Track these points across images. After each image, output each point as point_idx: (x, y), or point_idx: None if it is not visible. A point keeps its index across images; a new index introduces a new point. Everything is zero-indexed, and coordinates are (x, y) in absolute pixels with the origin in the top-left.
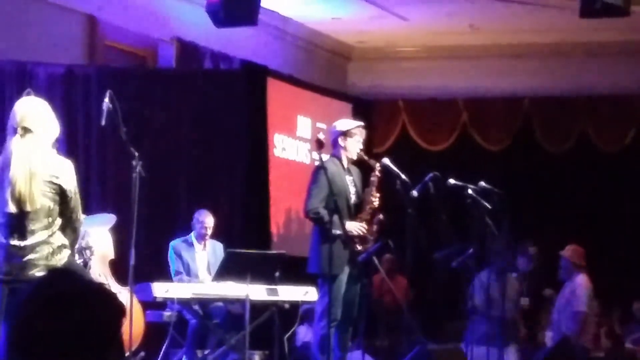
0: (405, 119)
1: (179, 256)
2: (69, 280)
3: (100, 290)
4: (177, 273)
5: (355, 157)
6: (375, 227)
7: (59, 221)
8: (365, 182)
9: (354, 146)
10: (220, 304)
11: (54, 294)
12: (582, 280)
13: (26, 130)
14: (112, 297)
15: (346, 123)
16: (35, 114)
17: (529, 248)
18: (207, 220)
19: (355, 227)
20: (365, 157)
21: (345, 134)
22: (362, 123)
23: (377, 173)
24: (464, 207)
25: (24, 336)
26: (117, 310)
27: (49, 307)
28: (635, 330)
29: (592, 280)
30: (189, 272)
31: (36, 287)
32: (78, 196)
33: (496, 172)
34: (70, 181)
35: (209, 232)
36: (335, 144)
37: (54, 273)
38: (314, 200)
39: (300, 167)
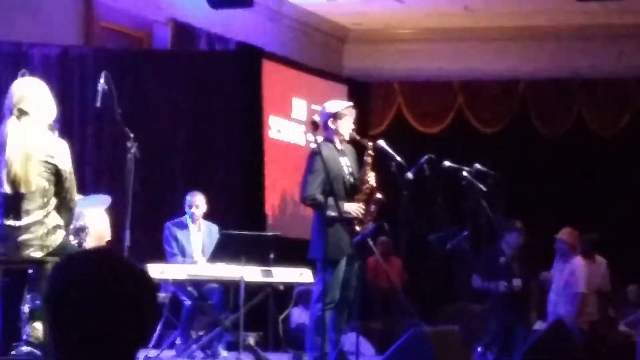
0: (401, 102)
1: (174, 237)
2: (102, 256)
3: (136, 267)
4: (172, 254)
5: (347, 138)
6: (373, 207)
7: (53, 201)
8: (360, 162)
9: (345, 127)
10: (214, 285)
11: (102, 266)
12: (580, 262)
13: (22, 112)
14: (146, 274)
15: (335, 104)
16: (32, 96)
17: (516, 222)
18: (197, 199)
19: (353, 208)
20: (358, 137)
21: (335, 115)
22: (350, 103)
23: (370, 152)
24: (459, 190)
25: (63, 307)
26: (152, 287)
27: (97, 276)
28: (629, 313)
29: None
30: (183, 253)
31: (69, 261)
32: (73, 177)
33: (491, 155)
34: (65, 162)
35: (200, 212)
36: (325, 126)
37: (89, 251)
38: (310, 187)
39: (296, 149)
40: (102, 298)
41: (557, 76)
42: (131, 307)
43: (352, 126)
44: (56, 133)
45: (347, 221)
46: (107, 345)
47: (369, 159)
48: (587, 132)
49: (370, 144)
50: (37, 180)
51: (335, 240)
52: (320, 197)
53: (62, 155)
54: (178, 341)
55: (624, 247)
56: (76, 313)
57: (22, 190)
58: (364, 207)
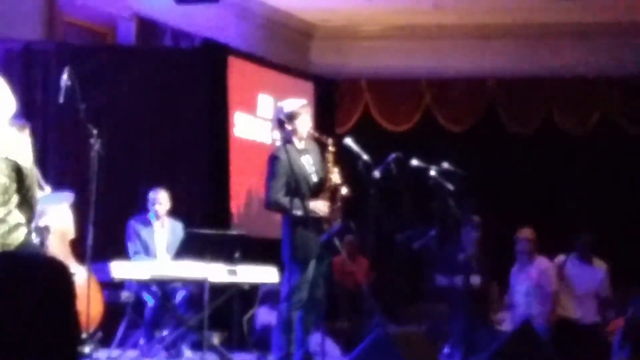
0: (368, 99)
1: (137, 235)
2: (18, 257)
3: (50, 263)
4: (136, 252)
5: (305, 136)
6: (338, 204)
7: (15, 198)
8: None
9: (302, 126)
10: (179, 284)
11: (4, 269)
12: (547, 261)
13: None
14: (62, 269)
15: (290, 104)
16: None
17: (473, 217)
18: (160, 197)
19: (318, 207)
20: (317, 135)
21: (291, 116)
22: (305, 101)
23: (330, 149)
24: (427, 189)
25: None
26: (67, 280)
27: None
28: None
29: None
30: (147, 250)
31: None
32: (34, 173)
33: (459, 153)
34: (26, 159)
35: (163, 209)
36: (282, 127)
37: (2, 253)
38: (273, 192)
39: (261, 147)
40: (5, 302)
41: (526, 74)
42: (42, 305)
43: (310, 124)
44: (27, 130)
45: (315, 220)
46: (36, 347)
47: (330, 156)
48: (556, 131)
49: (330, 140)
50: None
51: (304, 241)
52: (283, 200)
53: (23, 152)
54: (142, 341)
55: (592, 246)
56: None
57: None
58: (329, 204)
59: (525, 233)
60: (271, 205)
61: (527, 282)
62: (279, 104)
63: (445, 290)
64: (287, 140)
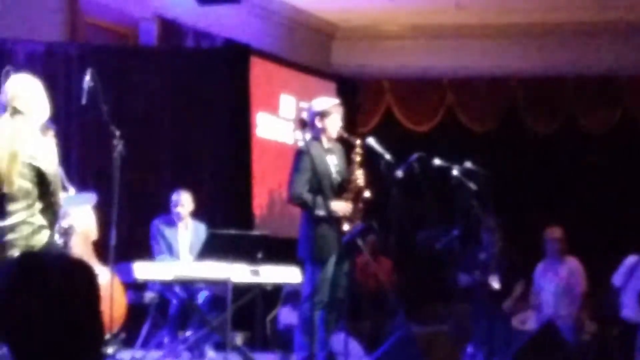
0: (390, 99)
1: (162, 235)
2: (42, 257)
3: (74, 264)
4: (160, 252)
5: (335, 136)
6: (360, 206)
7: (38, 204)
8: (348, 160)
9: (332, 125)
10: (202, 285)
11: (28, 269)
12: (577, 261)
13: (16, 110)
14: (86, 270)
15: (322, 102)
16: (27, 95)
17: (489, 221)
18: (182, 198)
19: (340, 207)
20: (346, 135)
21: (322, 114)
22: (337, 100)
23: (358, 150)
24: (449, 188)
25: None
26: (91, 280)
27: (24, 282)
28: None
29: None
30: (171, 251)
31: (8, 265)
32: (58, 179)
33: (482, 153)
34: (50, 164)
35: (186, 211)
36: (312, 124)
37: (27, 253)
38: (297, 186)
39: (283, 147)
40: (30, 303)
41: (549, 74)
42: (67, 305)
43: (340, 124)
44: (51, 133)
45: (335, 220)
46: (60, 348)
47: (357, 157)
48: (578, 130)
49: (358, 141)
50: (20, 182)
51: (323, 239)
52: (307, 196)
53: (47, 157)
54: (166, 341)
55: (616, 245)
56: (9, 323)
57: (5, 189)
58: (351, 205)
59: (555, 232)
60: (294, 199)
61: (555, 281)
62: (311, 102)
63: (468, 289)
64: (315, 137)
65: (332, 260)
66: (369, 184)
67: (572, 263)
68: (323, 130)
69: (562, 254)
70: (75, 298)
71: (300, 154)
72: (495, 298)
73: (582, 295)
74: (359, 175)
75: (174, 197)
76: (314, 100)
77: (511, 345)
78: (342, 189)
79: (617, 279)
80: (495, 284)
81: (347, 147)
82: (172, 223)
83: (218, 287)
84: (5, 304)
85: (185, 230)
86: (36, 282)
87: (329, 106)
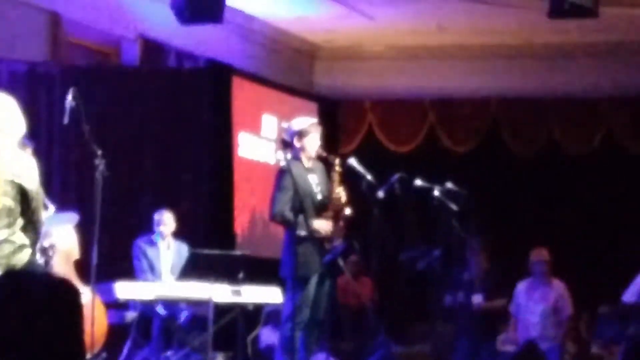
0: (372, 119)
1: (144, 254)
2: (25, 276)
3: (57, 283)
4: (142, 272)
5: (313, 155)
6: (341, 224)
7: (20, 221)
8: (329, 178)
9: (311, 144)
10: (183, 304)
11: (11, 288)
12: (563, 285)
13: None
14: (69, 289)
15: (300, 122)
16: (3, 112)
17: (473, 240)
18: (165, 218)
19: (321, 226)
20: (324, 154)
21: (300, 133)
22: (315, 120)
23: (337, 169)
24: (430, 209)
25: None
26: (74, 299)
27: (7, 300)
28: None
29: None
30: (153, 270)
31: None
32: (40, 197)
33: (463, 174)
34: (32, 182)
35: (168, 230)
36: (292, 144)
37: (9, 272)
38: (278, 204)
39: (265, 167)
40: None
41: (530, 95)
42: (49, 324)
43: (318, 143)
44: (29, 150)
45: (317, 239)
46: None
47: (335, 175)
48: (559, 151)
49: (337, 160)
50: (3, 200)
51: (305, 258)
52: (288, 214)
53: (29, 175)
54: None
55: (596, 267)
56: None
57: None
58: (332, 224)
59: (543, 254)
60: (276, 217)
61: (543, 304)
62: (290, 122)
63: (452, 309)
64: (295, 157)
65: (314, 280)
66: (350, 202)
67: (559, 286)
68: (302, 149)
69: (547, 275)
70: (58, 317)
71: (282, 173)
72: (480, 318)
73: (568, 319)
74: (339, 193)
75: (156, 216)
76: (293, 120)
77: None
78: (323, 207)
79: (628, 296)
80: (479, 301)
81: (326, 165)
82: (153, 243)
83: (199, 307)
84: None
85: (167, 250)
86: (19, 301)
87: (307, 125)
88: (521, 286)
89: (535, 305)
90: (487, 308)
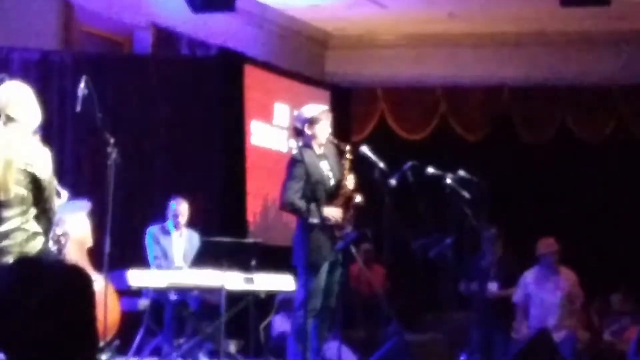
0: (384, 108)
1: (157, 242)
2: (39, 263)
3: (71, 270)
4: (155, 258)
5: (324, 142)
6: (351, 211)
7: (32, 210)
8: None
9: (321, 131)
10: (196, 292)
11: (25, 275)
12: (573, 273)
13: (9, 118)
14: (82, 276)
15: (310, 109)
16: (19, 102)
17: (489, 230)
18: (180, 208)
19: (332, 213)
20: (335, 141)
21: (311, 121)
22: (326, 107)
23: (348, 156)
24: (443, 196)
25: None
26: (87, 286)
27: (21, 287)
28: (614, 322)
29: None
30: (166, 258)
31: (5, 270)
32: (53, 186)
33: (475, 162)
34: (45, 170)
35: (183, 219)
36: (303, 132)
37: (23, 259)
38: (289, 193)
39: (277, 156)
40: (26, 309)
41: (541, 83)
42: (63, 311)
43: (329, 130)
44: (37, 137)
45: (328, 227)
46: (56, 353)
47: (347, 163)
48: (571, 139)
49: (348, 147)
50: (16, 189)
51: (317, 246)
52: (299, 203)
53: (42, 164)
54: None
55: (608, 255)
56: (6, 329)
57: (1, 197)
58: (342, 211)
59: (552, 244)
60: (286, 205)
61: (558, 293)
62: (300, 109)
63: (466, 297)
64: (306, 144)
65: (325, 267)
66: (360, 189)
67: (569, 274)
68: (313, 136)
69: (557, 264)
70: (71, 304)
71: (294, 162)
72: (495, 306)
73: (581, 307)
74: (350, 180)
75: (173, 205)
76: (303, 107)
77: (507, 354)
78: (336, 192)
79: None
80: (494, 289)
81: (339, 152)
82: (166, 231)
83: (212, 295)
84: (2, 309)
85: (180, 238)
86: (33, 288)
87: (318, 113)
88: (529, 276)
89: (550, 295)
90: (502, 296)
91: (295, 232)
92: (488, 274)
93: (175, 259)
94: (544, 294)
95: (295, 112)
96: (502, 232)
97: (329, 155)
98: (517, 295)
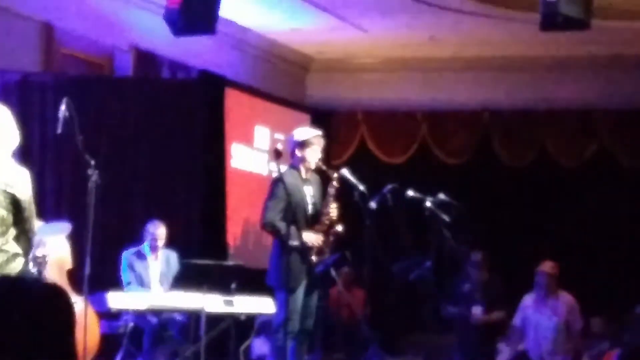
0: (364, 131)
1: (131, 267)
2: (19, 282)
3: (51, 289)
4: (128, 284)
5: (313, 167)
6: (331, 239)
7: (12, 230)
8: (324, 192)
9: (312, 156)
10: (175, 315)
11: (4, 294)
12: (572, 297)
13: None
14: (62, 296)
15: (304, 132)
16: None
17: (475, 255)
18: (158, 232)
19: (312, 239)
20: (324, 167)
21: (303, 144)
22: (319, 132)
23: (334, 184)
24: (423, 219)
25: None
26: (67, 306)
27: (1, 306)
28: (594, 345)
29: None
30: (141, 283)
31: None
32: (33, 207)
33: (455, 186)
34: (25, 191)
35: (160, 243)
36: (292, 154)
37: (3, 278)
38: (271, 213)
39: (258, 178)
40: (6, 327)
41: (522, 107)
42: (43, 330)
43: (320, 155)
44: (12, 161)
45: (307, 251)
46: None
47: (332, 190)
48: (551, 163)
49: (335, 174)
50: None
51: (293, 268)
52: (279, 224)
53: (22, 184)
54: None
55: (587, 279)
56: None
57: None
58: (322, 237)
59: (553, 267)
60: (267, 225)
61: (555, 318)
62: (293, 131)
63: (447, 320)
64: (293, 166)
65: (301, 290)
66: (342, 218)
67: (568, 298)
68: (302, 159)
69: (554, 288)
70: (50, 322)
71: (276, 182)
72: (478, 330)
73: (580, 331)
74: (333, 209)
75: (151, 229)
76: (296, 129)
77: None
78: (314, 220)
79: None
80: (478, 313)
81: (323, 179)
82: (141, 256)
83: (191, 317)
84: None
85: (155, 261)
86: (12, 306)
87: (311, 136)
88: (528, 300)
89: (547, 320)
90: (487, 320)
91: (271, 252)
92: (472, 298)
93: (151, 284)
94: (539, 318)
95: (277, 136)
96: (487, 255)
97: (313, 182)
98: (516, 318)
